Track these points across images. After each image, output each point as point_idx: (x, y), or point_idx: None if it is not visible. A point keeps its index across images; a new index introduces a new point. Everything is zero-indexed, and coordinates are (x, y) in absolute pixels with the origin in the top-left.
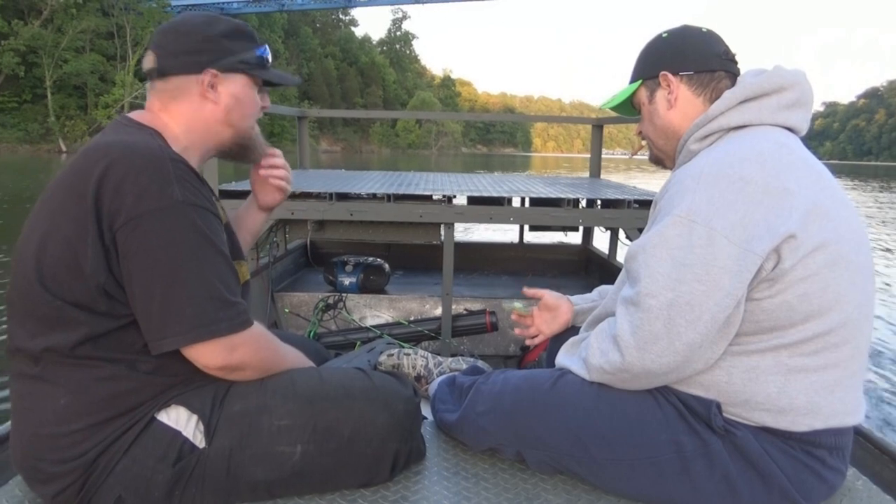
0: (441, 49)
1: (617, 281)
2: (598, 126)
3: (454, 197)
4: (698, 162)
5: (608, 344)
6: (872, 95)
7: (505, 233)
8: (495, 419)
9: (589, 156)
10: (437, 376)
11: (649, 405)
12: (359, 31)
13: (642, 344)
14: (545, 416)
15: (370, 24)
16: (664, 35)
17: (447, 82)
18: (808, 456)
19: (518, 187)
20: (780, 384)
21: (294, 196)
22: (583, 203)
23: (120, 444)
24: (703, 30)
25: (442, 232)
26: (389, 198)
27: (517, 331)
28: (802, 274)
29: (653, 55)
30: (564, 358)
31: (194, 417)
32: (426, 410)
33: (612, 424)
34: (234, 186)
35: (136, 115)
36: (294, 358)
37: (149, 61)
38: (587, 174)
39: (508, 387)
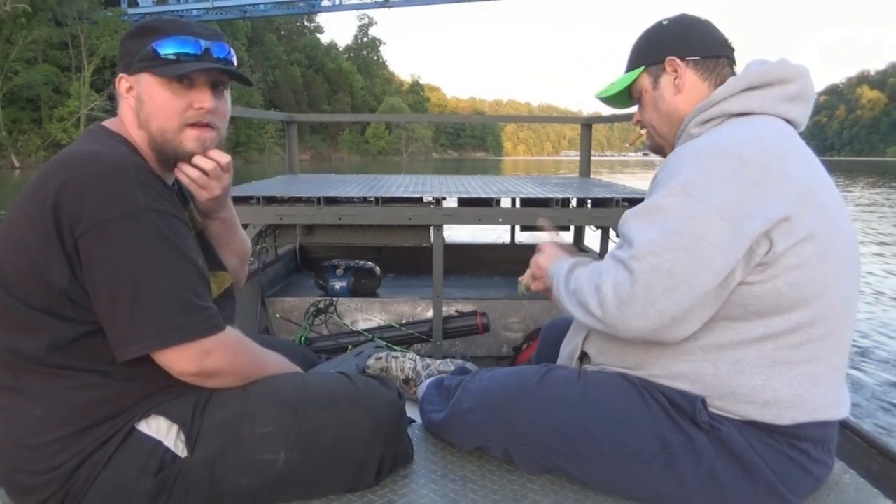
0: (409, 54)
1: None
2: (587, 125)
3: (444, 199)
4: (699, 140)
5: (592, 289)
6: (833, 92)
7: (497, 234)
8: (482, 416)
9: (558, 157)
10: (426, 378)
11: (635, 402)
12: (324, 38)
13: (618, 303)
14: (532, 411)
15: (336, 30)
16: (664, 22)
17: (416, 88)
18: (792, 449)
19: (507, 188)
20: (765, 376)
21: (282, 201)
22: (573, 202)
23: (100, 456)
24: (702, 18)
25: (431, 234)
26: (378, 201)
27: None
28: (794, 262)
29: (656, 41)
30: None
31: (175, 427)
32: (414, 413)
33: (599, 420)
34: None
35: (108, 122)
36: (276, 363)
37: None
38: (557, 175)
39: (495, 384)
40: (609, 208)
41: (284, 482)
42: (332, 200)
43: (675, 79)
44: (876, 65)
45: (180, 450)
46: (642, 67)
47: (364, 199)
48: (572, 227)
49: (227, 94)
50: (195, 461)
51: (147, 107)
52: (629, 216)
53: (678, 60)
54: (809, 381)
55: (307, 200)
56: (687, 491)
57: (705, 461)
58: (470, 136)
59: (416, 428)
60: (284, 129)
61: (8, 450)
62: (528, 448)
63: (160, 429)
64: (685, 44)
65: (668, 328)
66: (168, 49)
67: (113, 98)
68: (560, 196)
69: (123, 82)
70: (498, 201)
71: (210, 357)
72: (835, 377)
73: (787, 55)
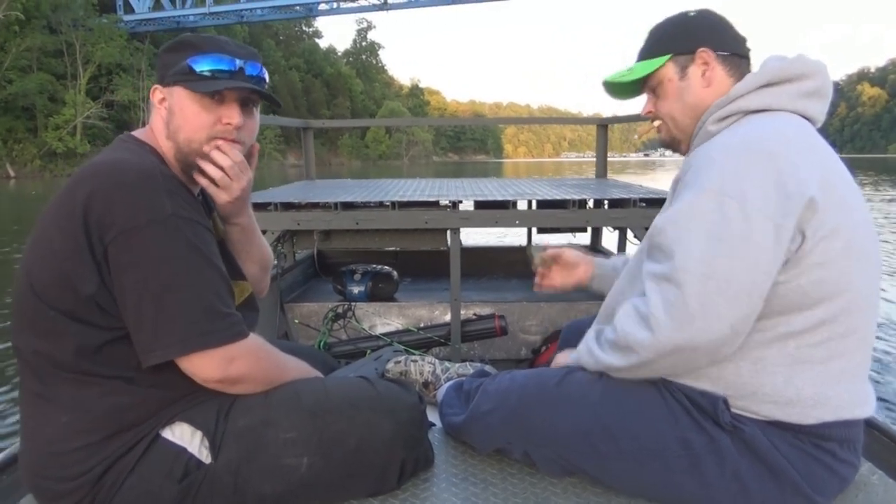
0: (408, 58)
1: (632, 259)
2: (603, 126)
3: (460, 202)
4: (721, 138)
5: (633, 323)
6: (833, 90)
7: (514, 236)
8: (502, 417)
9: (559, 159)
10: (445, 382)
11: (656, 402)
12: (323, 43)
13: (678, 323)
14: (551, 412)
15: (334, 35)
16: (691, 13)
17: (415, 91)
18: (817, 449)
19: (523, 190)
20: (787, 375)
21: (300, 207)
22: (590, 204)
23: (126, 462)
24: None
25: (448, 237)
26: (394, 205)
27: (538, 273)
28: (820, 259)
29: (686, 30)
30: (571, 355)
31: (199, 434)
32: (434, 416)
33: (619, 421)
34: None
35: (138, 132)
36: (297, 369)
37: None
38: (556, 177)
39: (514, 385)
40: (626, 209)
41: (308, 487)
42: (348, 205)
43: (704, 71)
44: (875, 62)
45: (204, 456)
46: (669, 55)
47: (380, 204)
48: (589, 229)
49: (257, 113)
50: (219, 467)
51: (177, 118)
52: (666, 226)
53: (711, 52)
54: (832, 380)
55: (324, 206)
56: (710, 492)
57: (729, 462)
58: (470, 139)
59: (435, 431)
60: (301, 134)
61: (35, 456)
62: (547, 449)
63: (184, 435)
64: (717, 37)
65: (732, 338)
66: (203, 66)
67: (109, 105)
68: (577, 197)
69: (157, 93)
70: (514, 203)
71: (234, 363)
72: (858, 375)
73: (787, 53)
